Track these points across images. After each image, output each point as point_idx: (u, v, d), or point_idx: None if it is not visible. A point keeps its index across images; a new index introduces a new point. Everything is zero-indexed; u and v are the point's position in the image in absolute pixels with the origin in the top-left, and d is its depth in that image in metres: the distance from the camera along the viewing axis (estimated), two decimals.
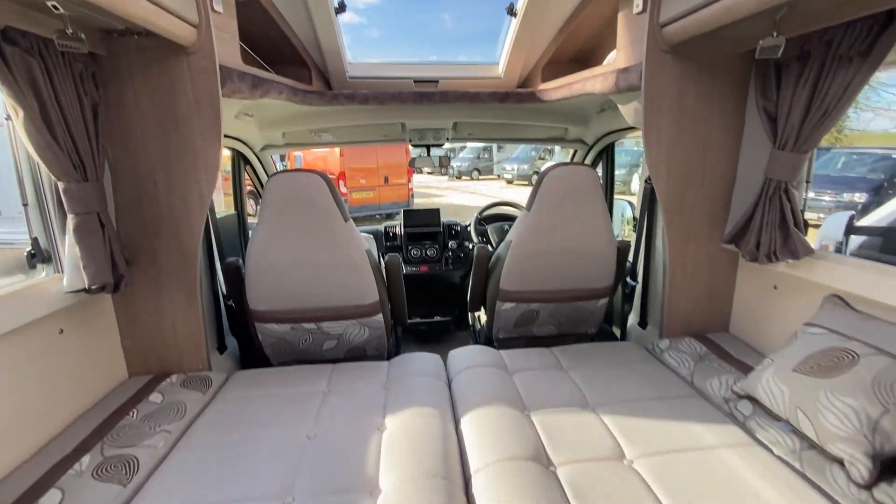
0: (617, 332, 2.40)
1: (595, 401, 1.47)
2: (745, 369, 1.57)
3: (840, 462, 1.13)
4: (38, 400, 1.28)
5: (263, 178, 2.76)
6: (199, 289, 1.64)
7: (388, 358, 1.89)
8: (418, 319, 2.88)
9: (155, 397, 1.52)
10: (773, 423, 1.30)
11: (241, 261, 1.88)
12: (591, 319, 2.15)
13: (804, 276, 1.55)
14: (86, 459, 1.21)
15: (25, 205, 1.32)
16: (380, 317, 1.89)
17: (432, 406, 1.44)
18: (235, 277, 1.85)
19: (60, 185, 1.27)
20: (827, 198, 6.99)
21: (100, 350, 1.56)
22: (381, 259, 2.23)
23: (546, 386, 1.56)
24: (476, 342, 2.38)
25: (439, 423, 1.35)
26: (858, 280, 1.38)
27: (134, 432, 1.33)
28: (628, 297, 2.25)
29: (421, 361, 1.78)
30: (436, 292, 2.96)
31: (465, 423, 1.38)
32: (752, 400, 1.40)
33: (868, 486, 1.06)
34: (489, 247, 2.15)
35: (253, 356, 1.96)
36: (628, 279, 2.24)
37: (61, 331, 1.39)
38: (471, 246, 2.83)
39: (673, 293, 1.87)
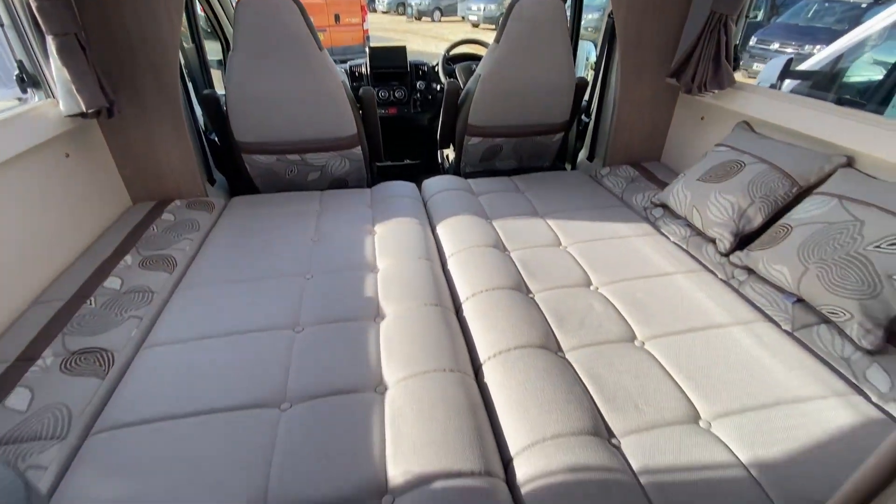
0: (568, 166, 2.71)
1: (544, 210, 1.82)
2: (664, 187, 1.94)
3: (713, 241, 1.55)
4: (58, 221, 1.46)
5: (219, 12, 2.57)
6: (185, 118, 1.73)
7: (369, 187, 2.14)
8: (389, 163, 3.07)
9: (167, 216, 1.74)
10: (675, 220, 1.71)
11: (216, 93, 1.93)
12: (548, 154, 2.42)
13: (726, 105, 1.82)
14: (128, 259, 1.47)
15: (1, 25, 1.31)
16: (358, 149, 2.07)
17: (412, 217, 1.74)
18: (217, 110, 1.92)
19: (33, 4, 1.26)
20: (790, 49, 7.03)
21: (102, 177, 1.70)
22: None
23: (505, 203, 1.88)
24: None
25: (419, 227, 1.67)
26: (765, 107, 1.66)
27: (161, 240, 1.58)
28: (581, 133, 2.50)
29: (399, 187, 2.04)
30: (405, 135, 3.09)
31: (440, 228, 1.71)
32: (665, 207, 1.79)
33: (727, 255, 1.50)
34: (458, 84, 2.25)
35: (243, 188, 2.15)
36: (583, 116, 2.46)
37: (67, 155, 1.51)
38: (438, 87, 2.88)
39: (619, 126, 2.13)
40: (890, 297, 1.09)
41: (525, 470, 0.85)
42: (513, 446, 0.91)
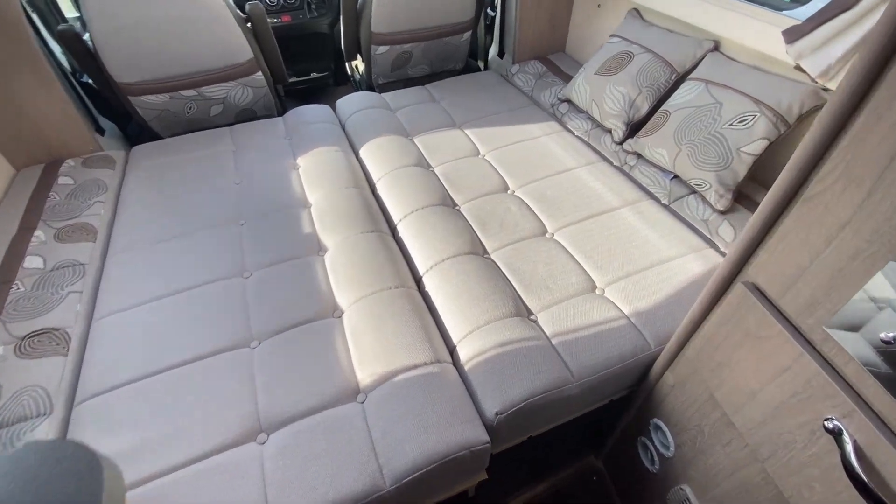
0: (481, 64, 2.71)
1: (461, 120, 1.89)
2: (569, 80, 2.05)
3: (609, 131, 1.74)
4: None
5: None
6: (46, 61, 1.52)
7: (280, 115, 2.05)
8: (295, 78, 2.86)
9: (65, 180, 1.61)
10: (579, 114, 1.86)
11: (75, 27, 1.67)
12: (459, 55, 2.39)
13: None
14: (40, 234, 1.40)
15: None
16: (259, 75, 1.93)
17: (333, 144, 1.75)
18: (81, 48, 1.68)
19: None
20: None
21: None
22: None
23: (423, 116, 1.92)
24: (358, 91, 2.55)
25: (342, 155, 1.70)
26: None
27: (70, 208, 1.49)
28: (489, 28, 2.47)
29: (313, 112, 1.98)
30: (307, 44, 2.85)
31: (363, 152, 1.74)
32: (569, 102, 1.92)
33: (620, 143, 1.70)
34: None
35: (139, 134, 1.97)
36: (489, 10, 2.41)
37: None
38: None
39: (523, 21, 2.14)
40: (737, 167, 1.36)
41: (466, 352, 1.07)
42: (455, 336, 1.12)
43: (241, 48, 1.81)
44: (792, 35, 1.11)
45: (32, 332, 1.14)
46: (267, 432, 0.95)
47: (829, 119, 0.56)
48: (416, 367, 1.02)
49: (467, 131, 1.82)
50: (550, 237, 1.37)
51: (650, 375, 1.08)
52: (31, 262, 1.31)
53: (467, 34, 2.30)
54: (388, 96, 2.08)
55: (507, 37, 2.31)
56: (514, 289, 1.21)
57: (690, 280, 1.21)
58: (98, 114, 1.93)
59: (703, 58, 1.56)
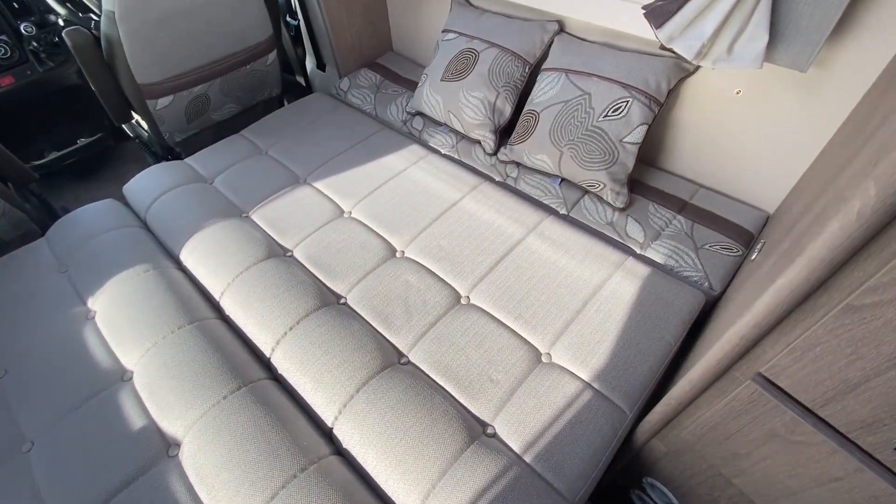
0: (302, 80, 2.27)
1: (303, 172, 1.50)
2: (413, 86, 1.77)
3: (478, 142, 1.52)
4: None
5: None
6: None
7: (43, 231, 1.42)
8: (55, 154, 2.09)
9: None
10: (437, 129, 1.60)
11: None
12: (269, 80, 1.93)
13: None
14: None
15: None
16: None
17: (137, 262, 1.24)
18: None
19: None
20: None
21: None
22: None
23: (252, 179, 1.48)
24: (152, 155, 1.95)
25: (157, 274, 1.21)
26: None
27: None
28: (296, 39, 2.04)
29: (92, 216, 1.40)
30: (57, 108, 2.08)
31: (186, 258, 1.27)
32: (422, 114, 1.65)
33: (493, 153, 1.50)
34: (84, 29, 1.46)
35: None
36: (288, 19, 1.97)
37: None
38: (60, 21, 1.90)
39: (334, 23, 1.77)
40: (625, 159, 1.25)
41: None
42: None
43: None
44: (658, 17, 0.97)
45: None
46: None
47: (875, 208, 0.38)
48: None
49: (317, 185, 1.45)
50: (467, 303, 1.13)
51: (633, 440, 0.94)
52: None
53: (272, 55, 1.84)
54: (195, 161, 1.58)
55: (322, 46, 1.92)
56: (456, 400, 0.96)
57: (628, 306, 1.08)
58: None
59: (551, 42, 1.40)
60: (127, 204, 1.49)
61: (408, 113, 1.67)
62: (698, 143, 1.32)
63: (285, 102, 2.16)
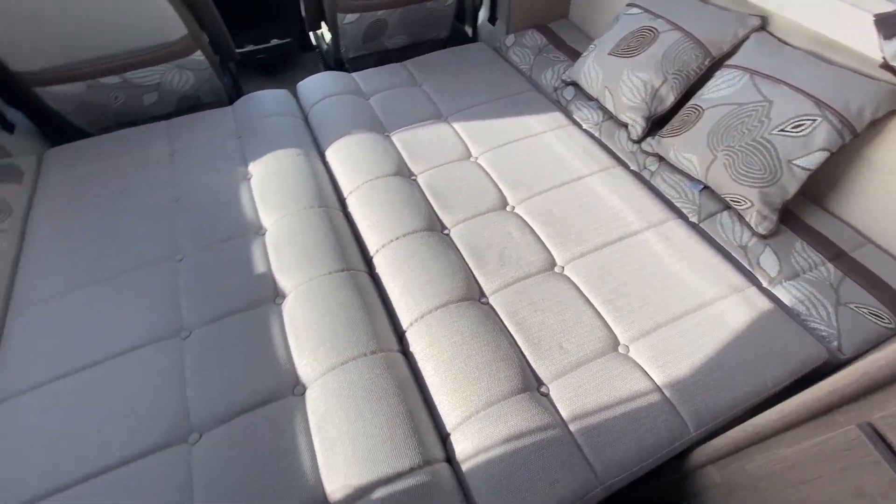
0: (469, 31, 2.33)
1: (447, 110, 1.58)
2: (576, 56, 1.73)
3: (625, 126, 1.46)
4: None
5: None
6: None
7: (230, 102, 1.70)
8: (252, 47, 2.44)
9: None
10: (587, 103, 1.56)
11: None
12: (442, 21, 2.02)
13: None
14: None
15: None
16: (199, 54, 1.57)
17: (293, 145, 1.43)
18: None
19: None
20: None
21: None
22: None
23: (402, 105, 1.60)
24: (325, 65, 2.18)
25: (304, 160, 1.39)
26: None
27: None
28: None
29: (269, 100, 1.64)
30: (261, 7, 2.41)
31: (331, 155, 1.44)
32: (576, 85, 1.62)
33: (638, 141, 1.43)
34: None
35: (60, 129, 1.62)
36: None
37: None
38: None
39: None
40: (787, 182, 1.11)
41: (463, 447, 0.86)
42: (448, 421, 0.90)
43: (171, 23, 1.44)
44: (890, 27, 0.83)
45: None
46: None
47: None
48: (400, 475, 0.80)
49: (455, 126, 1.52)
50: (560, 272, 1.13)
51: (687, 460, 0.89)
52: None
53: None
54: (359, 77, 1.74)
55: (501, 1, 1.95)
56: (521, 350, 0.98)
57: (732, 332, 0.99)
58: (4, 104, 1.57)
59: (745, 38, 1.27)
60: (297, 98, 1.71)
61: (562, 81, 1.65)
62: (887, 191, 1.12)
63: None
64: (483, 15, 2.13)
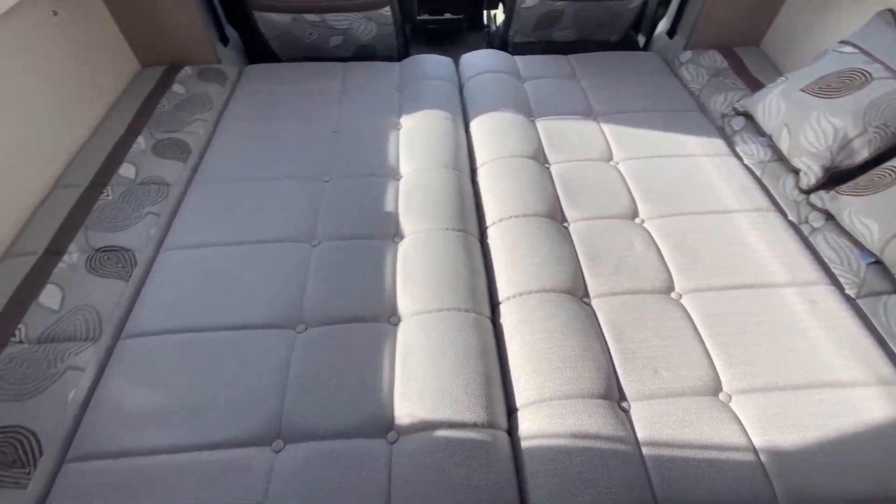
0: (642, 41, 2.24)
1: (599, 110, 1.54)
2: (756, 87, 1.58)
3: (795, 172, 1.31)
4: (67, 90, 1.35)
5: None
6: None
7: (399, 59, 1.85)
8: (427, 16, 2.60)
9: (178, 88, 1.58)
10: (756, 138, 1.43)
11: None
12: (618, 24, 1.97)
13: None
14: (141, 141, 1.38)
15: None
16: (387, 10, 1.73)
17: (444, 109, 1.52)
18: None
19: None
20: None
21: (104, 39, 1.52)
22: None
23: (555, 95, 1.60)
24: (490, 46, 2.25)
25: (450, 124, 1.47)
26: None
27: (173, 119, 1.47)
28: None
29: (433, 64, 1.75)
30: None
31: (475, 126, 1.50)
32: (748, 117, 1.48)
33: (808, 192, 1.27)
34: None
35: (259, 49, 1.90)
36: None
37: (55, 12, 1.31)
38: None
39: (716, 1, 1.66)
40: None
41: (528, 425, 0.86)
42: (520, 397, 0.91)
43: None
44: None
45: (106, 246, 1.13)
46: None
47: None
48: (463, 425, 0.84)
49: (604, 126, 1.49)
50: (677, 299, 1.07)
51: None
52: (126, 169, 1.31)
53: (637, 1, 1.86)
54: (520, 60, 1.78)
55: (688, 12, 1.84)
56: (611, 358, 0.95)
57: (864, 424, 0.86)
58: (226, 22, 1.88)
59: None
60: (457, 68, 1.79)
61: (734, 108, 1.52)
62: None
63: None
64: (662, 26, 2.03)
